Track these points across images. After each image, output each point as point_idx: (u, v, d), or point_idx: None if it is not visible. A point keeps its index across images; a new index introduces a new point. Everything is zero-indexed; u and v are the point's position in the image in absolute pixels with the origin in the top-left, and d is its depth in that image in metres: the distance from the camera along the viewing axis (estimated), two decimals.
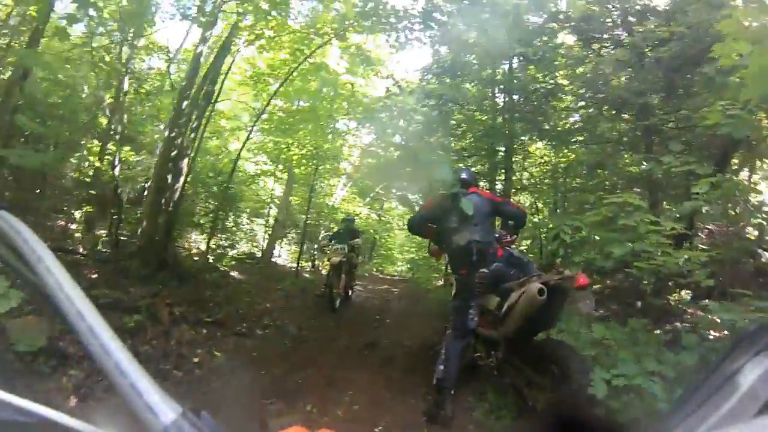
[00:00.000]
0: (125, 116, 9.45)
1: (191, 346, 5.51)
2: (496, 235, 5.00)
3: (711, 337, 4.13)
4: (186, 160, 8.17)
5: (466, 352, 4.45)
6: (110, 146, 8.65)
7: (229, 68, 9.57)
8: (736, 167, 7.24)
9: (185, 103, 8.09)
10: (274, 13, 7.52)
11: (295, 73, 10.26)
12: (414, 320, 8.70)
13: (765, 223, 6.36)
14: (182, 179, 8.16)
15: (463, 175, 4.66)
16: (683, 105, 6.63)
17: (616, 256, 4.56)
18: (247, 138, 10.59)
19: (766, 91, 3.60)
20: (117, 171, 8.28)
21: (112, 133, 8.68)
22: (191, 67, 8.67)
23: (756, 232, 7.16)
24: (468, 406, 4.45)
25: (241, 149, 10.33)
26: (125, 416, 0.50)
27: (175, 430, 0.46)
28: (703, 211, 4.54)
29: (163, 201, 7.77)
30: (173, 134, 7.90)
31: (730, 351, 0.56)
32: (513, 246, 5.52)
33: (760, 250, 6.91)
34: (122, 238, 8.51)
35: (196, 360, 5.25)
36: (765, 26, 3.36)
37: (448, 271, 13.99)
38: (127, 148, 9.07)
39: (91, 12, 5.97)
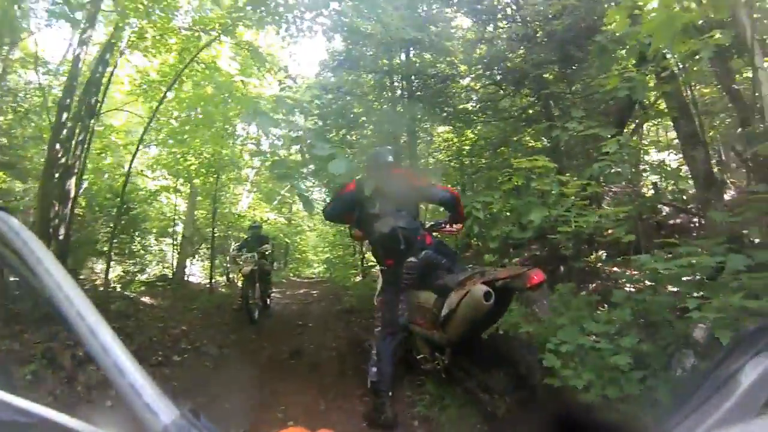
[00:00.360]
0: (4, 141, 8.57)
1: (102, 389, 4.98)
2: (432, 223, 4.67)
3: (633, 290, 4.23)
4: (73, 182, 7.45)
5: (398, 350, 4.04)
6: None
7: (110, 76, 8.86)
8: (627, 132, 7.60)
9: (65, 117, 7.37)
10: (158, 11, 6.98)
11: (185, 78, 9.70)
12: (336, 321, 8.59)
13: (660, 180, 6.72)
14: (70, 203, 7.45)
15: (379, 158, 4.32)
16: (580, 75, 6.82)
17: (535, 225, 4.58)
18: (136, 151, 9.77)
19: (673, 37, 3.68)
20: None
21: None
22: (70, 76, 7.90)
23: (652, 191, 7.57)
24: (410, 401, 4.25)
25: (130, 164, 9.55)
26: (124, 416, 0.52)
27: (174, 429, 0.48)
28: (610, 171, 4.65)
29: (51, 230, 7.04)
30: (55, 154, 7.17)
31: (730, 351, 0.58)
32: (458, 235, 5.22)
33: (660, 206, 7.27)
34: (11, 278, 7.69)
35: (109, 403, 4.75)
36: None
37: (365, 264, 14.10)
38: (2, 175, 8.20)
39: None
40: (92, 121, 7.95)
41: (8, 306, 6.65)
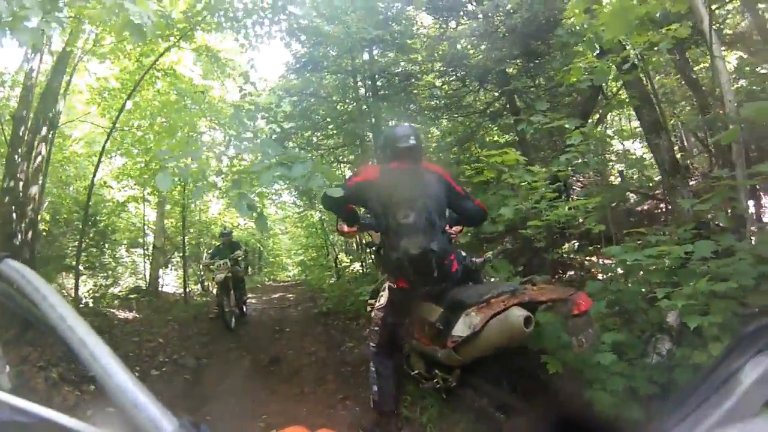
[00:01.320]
0: None
1: (78, 410, 4.86)
2: None
3: (606, 279, 4.28)
4: (35, 196, 7.23)
5: (399, 369, 3.53)
6: None
7: (68, 85, 8.62)
8: (592, 123, 7.73)
9: (22, 130, 7.15)
10: (114, 17, 6.79)
11: (145, 86, 9.52)
12: (314, 324, 8.55)
13: (626, 169, 6.84)
14: (33, 218, 7.23)
15: (411, 141, 3.28)
16: (543, 68, 6.91)
17: (506, 219, 4.60)
18: (99, 162, 9.51)
19: (625, 31, 3.75)
20: None
21: None
22: (25, 87, 7.62)
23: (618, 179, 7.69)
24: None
25: (94, 175, 9.30)
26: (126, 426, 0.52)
27: None
28: (577, 162, 4.71)
29: (13, 247, 6.81)
30: (14, 168, 6.94)
31: (730, 351, 0.57)
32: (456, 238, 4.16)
33: (628, 193, 7.40)
34: None
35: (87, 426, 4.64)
36: None
37: (338, 265, 14.08)
38: None
39: None
40: (51, 132, 7.73)
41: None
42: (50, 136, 7.73)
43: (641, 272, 3.60)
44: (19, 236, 6.90)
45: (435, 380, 3.34)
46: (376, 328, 3.49)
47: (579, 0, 3.77)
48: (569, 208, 4.58)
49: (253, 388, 5.27)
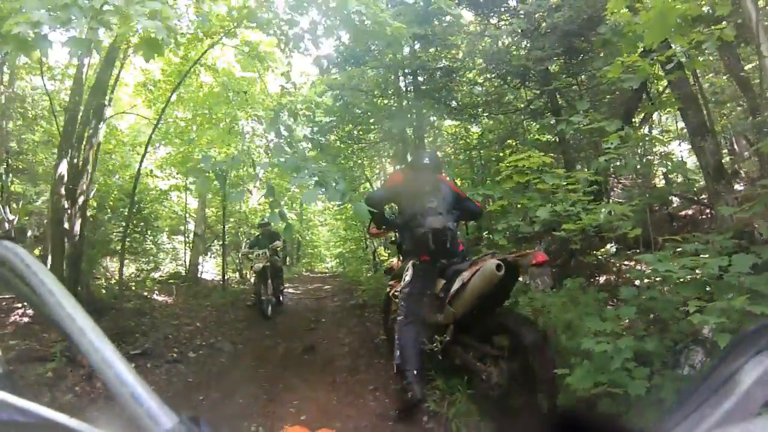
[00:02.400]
0: (13, 144, 8.64)
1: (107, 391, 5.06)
2: None
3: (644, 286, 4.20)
4: (84, 184, 7.52)
5: (420, 335, 4.14)
6: None
7: (116, 80, 8.89)
8: (636, 123, 7.55)
9: (74, 121, 7.43)
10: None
11: (188, 78, 9.75)
12: (349, 316, 8.59)
13: (670, 170, 6.64)
14: (82, 205, 7.52)
15: (426, 160, 4.59)
16: (585, 67, 6.78)
17: (541, 221, 4.57)
18: (145, 152, 9.80)
19: (666, 34, 3.66)
20: (7, 208, 7.50)
21: None
22: (75, 81, 7.93)
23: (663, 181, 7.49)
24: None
25: (140, 165, 9.64)
26: (124, 421, 0.53)
27: None
28: (617, 164, 4.64)
29: (64, 232, 7.12)
30: (65, 158, 7.24)
31: (730, 351, 0.57)
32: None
33: (670, 197, 7.22)
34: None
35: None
36: None
37: (377, 259, 14.16)
38: (18, 181, 8.28)
39: None
40: (100, 124, 7.99)
41: (74, 295, 6.78)
42: (99, 127, 7.99)
43: (673, 283, 3.50)
44: (69, 221, 7.19)
45: (434, 344, 4.06)
46: (403, 303, 4.22)
47: None
48: (609, 212, 4.51)
49: (286, 375, 5.37)
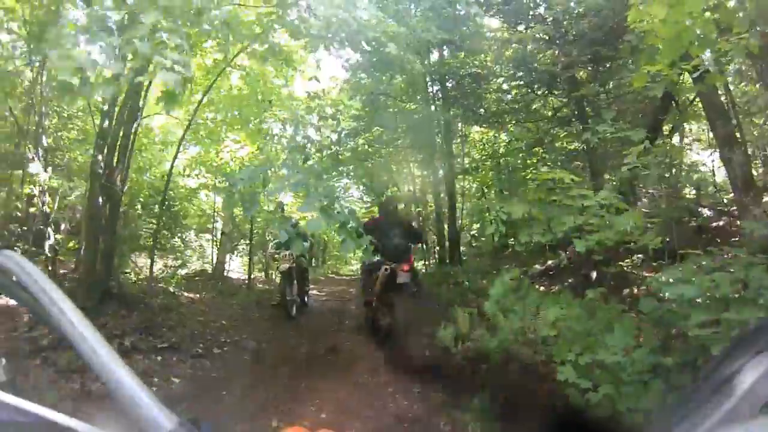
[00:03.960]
0: (50, 142, 8.91)
1: (146, 376, 5.21)
2: None
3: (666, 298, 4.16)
4: (117, 182, 7.75)
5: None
6: (35, 176, 8.06)
7: (150, 83, 9.11)
8: (667, 133, 7.45)
9: (108, 121, 7.67)
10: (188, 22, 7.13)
11: (220, 81, 9.96)
12: None
13: (699, 180, 6.54)
14: (115, 202, 7.75)
15: (390, 207, 7.25)
16: (612, 75, 6.73)
17: (564, 230, 4.55)
18: (177, 152, 10.04)
19: (680, 53, 3.65)
20: (45, 201, 7.76)
21: (29, 161, 8.07)
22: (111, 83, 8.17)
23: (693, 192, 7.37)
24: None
25: (172, 164, 9.84)
26: (124, 423, 0.54)
27: None
28: (642, 174, 4.60)
29: (98, 227, 7.35)
30: (99, 156, 7.47)
31: (730, 351, 0.58)
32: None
33: (700, 209, 7.10)
34: (62, 271, 8.05)
35: (153, 389, 4.96)
36: None
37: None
38: (54, 177, 8.54)
39: None
40: (134, 124, 8.20)
41: (107, 289, 7.08)
42: (133, 127, 8.21)
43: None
44: (103, 217, 7.42)
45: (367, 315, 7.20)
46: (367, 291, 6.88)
47: (638, 8, 3.65)
48: (628, 225, 4.46)
49: (308, 374, 5.42)
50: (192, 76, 5.00)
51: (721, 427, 0.50)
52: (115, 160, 7.70)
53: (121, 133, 7.80)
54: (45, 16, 6.78)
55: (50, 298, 0.61)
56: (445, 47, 9.55)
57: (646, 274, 5.40)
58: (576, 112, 7.59)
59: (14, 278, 0.64)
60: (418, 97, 10.94)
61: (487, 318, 5.25)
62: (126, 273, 10.08)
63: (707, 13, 3.55)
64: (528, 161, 9.36)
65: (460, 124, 10.90)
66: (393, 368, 5.51)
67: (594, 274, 5.94)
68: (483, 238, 12.25)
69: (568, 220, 4.32)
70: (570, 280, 6.45)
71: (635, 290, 5.57)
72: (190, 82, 5.11)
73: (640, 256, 6.13)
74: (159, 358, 5.74)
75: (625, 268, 5.90)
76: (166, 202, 10.69)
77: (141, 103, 8.25)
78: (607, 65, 7.02)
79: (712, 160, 8.91)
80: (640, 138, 4.38)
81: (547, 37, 7.00)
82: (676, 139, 7.91)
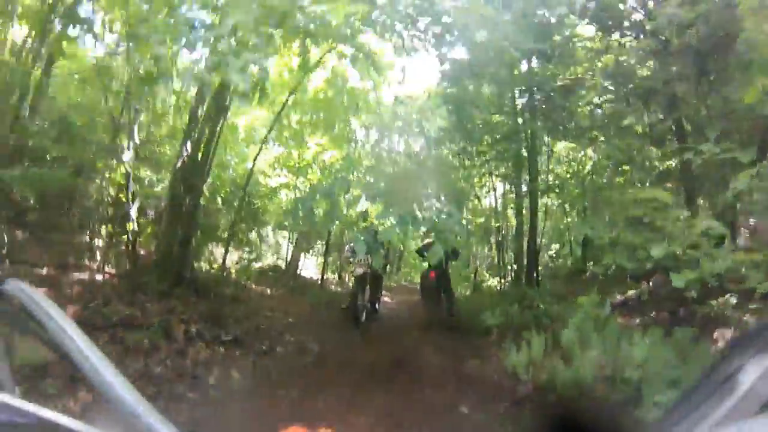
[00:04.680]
0: (142, 135, 9.34)
1: (207, 367, 5.28)
2: None
3: None
4: (200, 176, 8.05)
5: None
6: (127, 166, 8.50)
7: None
8: None
9: (196, 118, 8.00)
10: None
11: (306, 83, 10.11)
12: (442, 333, 8.33)
13: None
14: (197, 194, 8.06)
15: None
16: (718, 90, 6.15)
17: (653, 259, 4.15)
18: (260, 151, 10.35)
19: None
20: (131, 189, 8.10)
21: (123, 152, 8.53)
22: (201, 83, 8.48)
23: None
24: None
25: (254, 162, 10.15)
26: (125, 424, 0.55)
27: None
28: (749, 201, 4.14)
29: (178, 215, 7.67)
30: (186, 150, 7.80)
31: (730, 351, 0.58)
32: None
33: None
34: (142, 253, 8.38)
35: (212, 381, 5.01)
36: None
37: (476, 278, 14.07)
38: (143, 167, 8.95)
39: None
40: (221, 122, 8.50)
41: (180, 274, 7.39)
42: (219, 124, 8.52)
43: None
44: (184, 207, 7.73)
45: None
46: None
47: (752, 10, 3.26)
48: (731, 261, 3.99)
49: (368, 386, 5.32)
50: (267, 76, 5.08)
51: (722, 426, 0.51)
52: (199, 155, 7.99)
53: (206, 131, 8.10)
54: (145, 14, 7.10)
55: (57, 324, 0.62)
56: (534, 57, 9.17)
57: (740, 316, 4.85)
58: (674, 129, 7.03)
59: (22, 305, 0.66)
60: (505, 109, 10.65)
61: (560, 346, 4.93)
62: (201, 262, 10.40)
63: None
64: (615, 180, 8.81)
65: (546, 139, 10.53)
66: (458, 388, 5.29)
67: (681, 311, 5.42)
68: (560, 260, 11.78)
69: (661, 247, 3.92)
70: (652, 314, 5.91)
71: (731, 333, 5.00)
72: (264, 82, 5.14)
73: (733, 295, 5.51)
74: (222, 349, 5.83)
75: (716, 308, 5.30)
76: (247, 198, 10.95)
77: (227, 101, 8.50)
78: (713, 80, 6.43)
79: None
80: (749, 159, 3.92)
81: (647, 47, 6.50)
82: None
